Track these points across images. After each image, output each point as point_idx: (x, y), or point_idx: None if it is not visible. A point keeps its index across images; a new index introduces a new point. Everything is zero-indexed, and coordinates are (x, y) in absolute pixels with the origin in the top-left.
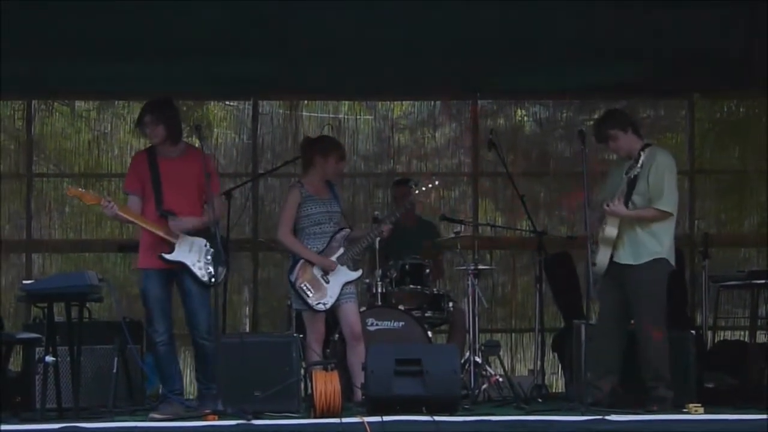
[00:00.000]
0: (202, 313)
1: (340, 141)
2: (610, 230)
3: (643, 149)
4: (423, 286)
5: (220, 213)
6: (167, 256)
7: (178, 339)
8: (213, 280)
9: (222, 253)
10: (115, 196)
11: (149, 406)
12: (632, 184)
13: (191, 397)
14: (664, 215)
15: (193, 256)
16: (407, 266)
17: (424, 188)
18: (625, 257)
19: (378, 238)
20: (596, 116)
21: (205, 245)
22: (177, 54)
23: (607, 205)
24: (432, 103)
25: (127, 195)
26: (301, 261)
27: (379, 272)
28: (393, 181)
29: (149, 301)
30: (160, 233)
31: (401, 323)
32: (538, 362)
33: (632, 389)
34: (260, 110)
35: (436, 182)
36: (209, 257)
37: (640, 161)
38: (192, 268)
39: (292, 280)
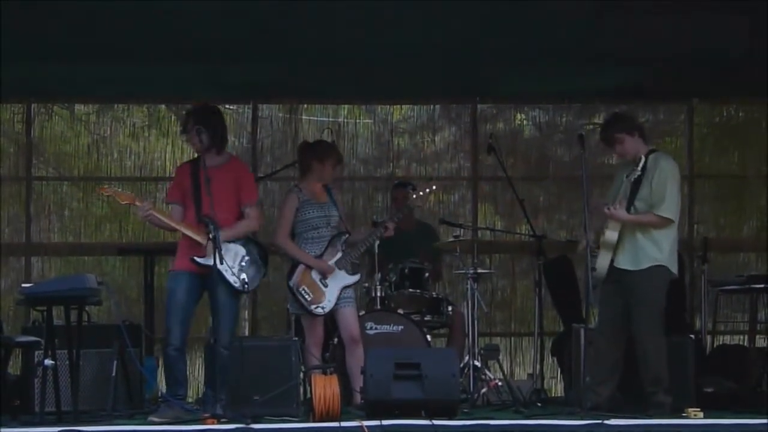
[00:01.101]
0: (226, 321)
1: (337, 145)
2: (611, 234)
3: (647, 154)
4: (422, 289)
5: (255, 223)
6: (199, 260)
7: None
8: (246, 286)
9: (261, 262)
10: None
11: (148, 410)
12: (634, 188)
13: (190, 400)
14: (665, 222)
15: (227, 261)
16: (406, 270)
17: (421, 193)
18: (624, 262)
19: (377, 242)
20: (596, 120)
21: (244, 253)
22: (177, 57)
23: (608, 208)
24: (431, 106)
25: (169, 205)
26: (301, 265)
27: (378, 276)
28: (393, 184)
29: (170, 303)
30: (195, 236)
31: (400, 327)
32: (538, 366)
33: (631, 394)
34: (260, 114)
35: (434, 187)
36: (244, 263)
37: (641, 165)
38: (224, 273)
39: (291, 284)
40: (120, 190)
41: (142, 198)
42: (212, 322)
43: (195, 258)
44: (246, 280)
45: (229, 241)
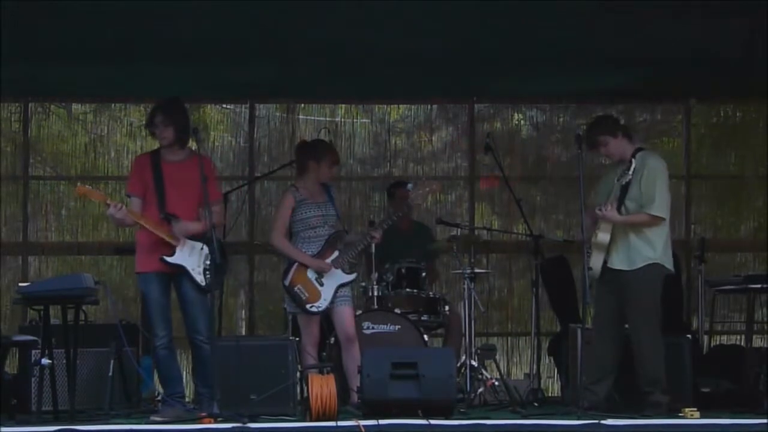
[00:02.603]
0: (202, 316)
1: (334, 145)
2: (603, 236)
3: (635, 154)
4: (419, 289)
5: (219, 219)
6: (168, 259)
7: (177, 342)
8: (208, 285)
9: (221, 260)
10: (112, 199)
11: (145, 409)
12: (624, 189)
13: (187, 400)
14: (657, 220)
15: (193, 260)
16: (403, 270)
17: (420, 191)
18: (618, 263)
19: (372, 242)
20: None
21: (202, 249)
22: (174, 57)
23: (599, 210)
24: (429, 106)
25: (129, 197)
26: (296, 264)
27: (375, 276)
28: (390, 183)
29: (149, 305)
30: (164, 236)
31: (397, 327)
32: (534, 366)
33: (628, 394)
34: (257, 113)
35: (434, 186)
36: (208, 262)
37: (632, 167)
38: (191, 272)
39: (287, 283)
40: (91, 188)
41: (113, 200)
42: (185, 320)
43: (164, 258)
44: (209, 278)
45: (193, 239)
